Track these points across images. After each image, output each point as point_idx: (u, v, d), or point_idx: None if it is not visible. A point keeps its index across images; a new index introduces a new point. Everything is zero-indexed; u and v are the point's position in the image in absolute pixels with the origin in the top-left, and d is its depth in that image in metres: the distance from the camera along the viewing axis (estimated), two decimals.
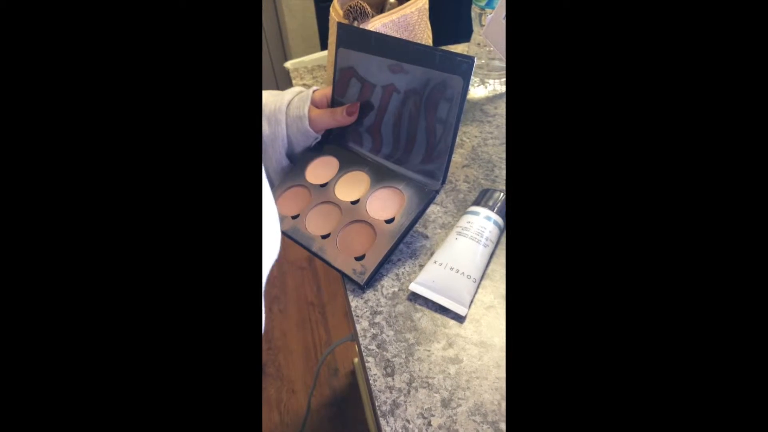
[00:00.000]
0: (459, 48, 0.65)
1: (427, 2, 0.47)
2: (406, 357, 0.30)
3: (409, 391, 0.29)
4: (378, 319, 0.33)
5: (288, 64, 0.93)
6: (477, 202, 0.39)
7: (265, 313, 0.27)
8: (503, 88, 0.57)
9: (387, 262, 0.36)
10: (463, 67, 0.33)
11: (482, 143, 0.49)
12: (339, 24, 0.39)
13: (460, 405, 0.28)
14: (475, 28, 0.54)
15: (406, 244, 0.38)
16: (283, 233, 0.38)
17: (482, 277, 0.35)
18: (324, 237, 0.37)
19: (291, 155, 0.43)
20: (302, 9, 1.43)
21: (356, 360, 1.14)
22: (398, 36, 0.44)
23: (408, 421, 0.27)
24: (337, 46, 0.40)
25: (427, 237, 0.38)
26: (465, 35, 0.57)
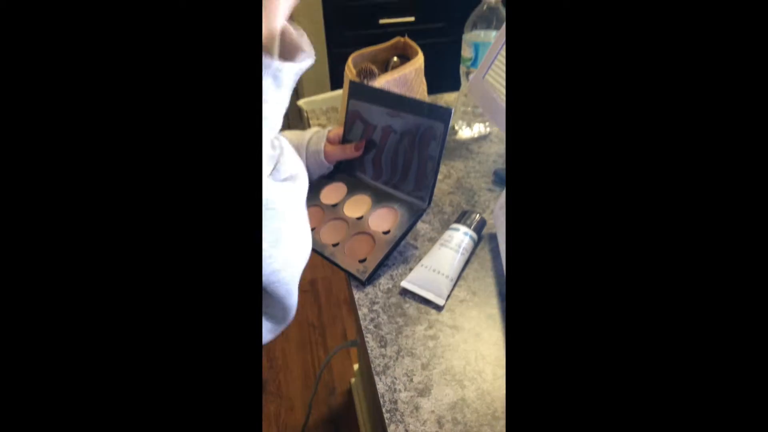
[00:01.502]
0: (452, 96, 0.78)
1: (422, 63, 0.60)
2: (395, 335, 0.40)
3: (397, 358, 0.38)
4: (375, 307, 0.43)
5: (301, 103, 1.07)
6: (457, 221, 0.49)
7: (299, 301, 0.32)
8: (487, 130, 0.68)
9: (383, 265, 0.46)
10: (444, 116, 0.45)
11: (466, 175, 0.60)
12: (351, 81, 0.51)
13: (435, 368, 0.37)
14: (463, 81, 0.66)
15: (399, 252, 0.48)
16: None
17: (458, 278, 0.45)
18: (334, 245, 0.47)
19: (309, 180, 0.54)
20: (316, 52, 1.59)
21: (353, 380, 1.21)
22: (398, 89, 0.56)
23: (395, 378, 0.37)
24: (349, 98, 0.52)
25: (416, 247, 0.49)
26: (456, 87, 0.70)
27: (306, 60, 0.29)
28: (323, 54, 1.57)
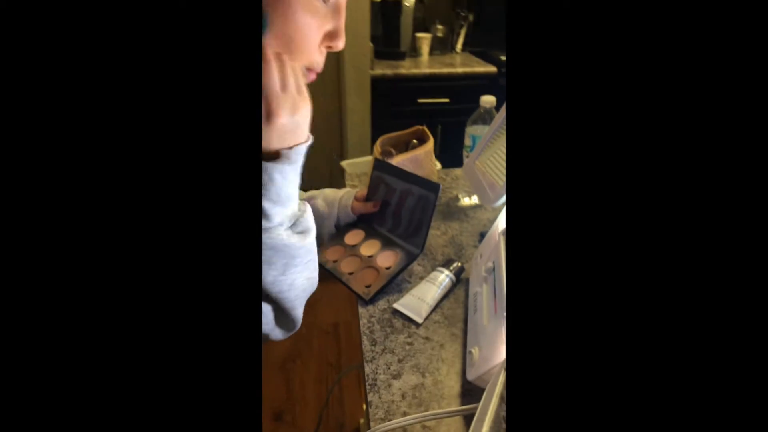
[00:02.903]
0: (458, 170, 0.98)
1: (432, 147, 0.81)
2: (383, 338, 0.57)
3: (381, 353, 0.55)
4: (372, 319, 0.61)
5: (344, 163, 1.32)
6: (443, 266, 0.67)
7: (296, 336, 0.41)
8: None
9: (383, 291, 0.64)
10: (435, 189, 0.65)
11: (459, 234, 0.79)
12: (376, 159, 0.73)
13: (407, 363, 0.54)
14: (465, 160, 0.87)
15: (396, 283, 0.66)
16: (328, 270, 0.68)
17: (436, 306, 0.62)
18: (350, 273, 0.67)
19: (338, 226, 0.74)
20: (361, 120, 1.88)
21: (362, 420, 1.33)
22: (411, 166, 0.78)
23: (378, 366, 0.54)
24: (373, 170, 0.73)
25: (409, 281, 0.67)
26: (459, 164, 0.91)
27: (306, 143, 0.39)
28: (367, 124, 1.85)
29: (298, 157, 0.38)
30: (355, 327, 1.67)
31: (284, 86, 0.36)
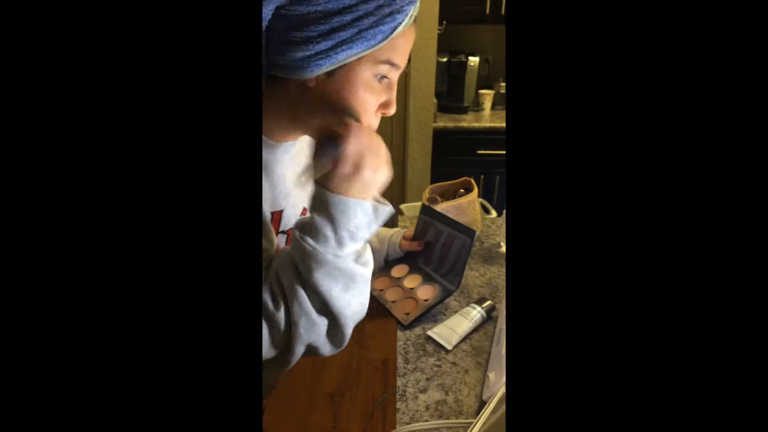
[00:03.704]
0: (502, 219, 1.07)
1: (476, 196, 0.92)
2: (415, 359, 0.67)
3: (412, 371, 0.65)
4: (408, 342, 0.70)
5: (402, 206, 1.45)
6: (476, 302, 0.76)
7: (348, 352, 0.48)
8: None
9: (419, 319, 0.74)
10: (472, 234, 0.75)
11: (496, 277, 0.87)
12: (423, 205, 0.85)
13: (433, 381, 0.63)
14: None
15: (432, 314, 0.76)
16: (374, 297, 0.79)
17: (465, 337, 0.71)
18: (393, 302, 0.78)
19: (386, 260, 0.86)
20: (421, 167, 2.02)
21: None
22: (454, 213, 0.89)
23: (408, 380, 0.63)
24: (421, 214, 0.85)
25: (444, 314, 0.76)
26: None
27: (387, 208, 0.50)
28: (427, 171, 2.00)
29: (383, 215, 0.48)
30: None
31: (369, 149, 0.46)
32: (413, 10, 0.47)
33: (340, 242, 0.46)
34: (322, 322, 0.48)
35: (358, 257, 0.49)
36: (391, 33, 0.46)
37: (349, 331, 0.50)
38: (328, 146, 0.47)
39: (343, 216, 0.46)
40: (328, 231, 0.46)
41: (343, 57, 0.45)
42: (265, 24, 0.45)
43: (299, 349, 0.48)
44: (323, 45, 0.44)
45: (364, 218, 0.47)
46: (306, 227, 0.47)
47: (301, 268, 0.47)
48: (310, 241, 0.46)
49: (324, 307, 0.47)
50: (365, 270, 0.50)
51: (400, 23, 0.46)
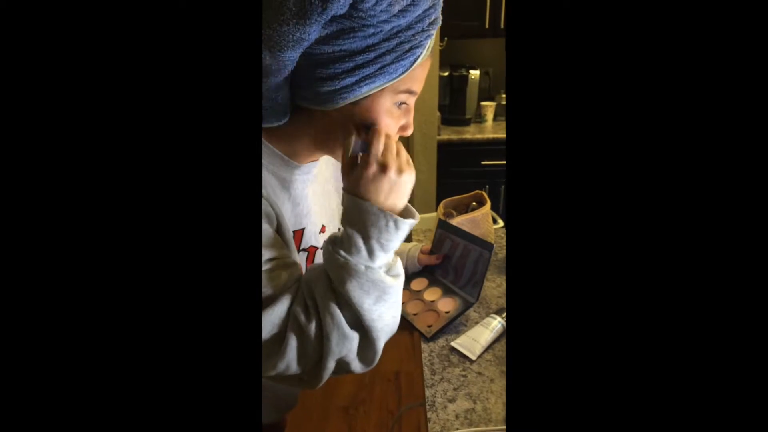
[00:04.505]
0: None
1: (489, 209, 0.95)
2: (441, 370, 0.70)
3: (439, 382, 0.67)
4: (432, 354, 0.73)
5: None
6: (496, 313, 0.79)
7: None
8: None
9: (442, 331, 0.77)
10: (489, 247, 0.78)
11: None
12: (439, 219, 0.89)
13: (461, 391, 0.66)
14: None
15: (454, 326, 0.79)
16: None
17: (488, 347, 0.74)
18: (414, 314, 0.80)
19: (405, 274, 0.89)
20: (427, 180, 2.06)
21: None
22: (469, 226, 0.92)
23: (436, 391, 0.66)
24: (437, 228, 0.88)
25: (465, 325, 0.79)
26: None
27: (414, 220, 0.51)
28: (433, 183, 2.03)
29: (407, 227, 0.49)
30: (417, 376, 1.75)
31: (390, 152, 0.49)
32: (430, 43, 0.50)
33: (371, 253, 0.48)
34: (354, 336, 0.49)
35: (389, 269, 0.51)
36: (411, 66, 0.49)
37: (380, 345, 0.51)
38: (358, 143, 0.51)
39: (374, 228, 0.48)
40: (359, 242, 0.48)
41: (366, 90, 0.48)
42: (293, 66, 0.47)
43: (330, 364, 0.49)
44: (348, 81, 0.47)
45: (393, 231, 0.49)
46: (338, 240, 0.50)
47: (333, 280, 0.48)
48: (342, 252, 0.48)
49: (356, 320, 0.48)
50: (396, 282, 0.51)
51: (419, 56, 0.49)
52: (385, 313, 0.50)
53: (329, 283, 0.49)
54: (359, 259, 0.48)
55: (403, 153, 0.52)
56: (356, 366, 0.51)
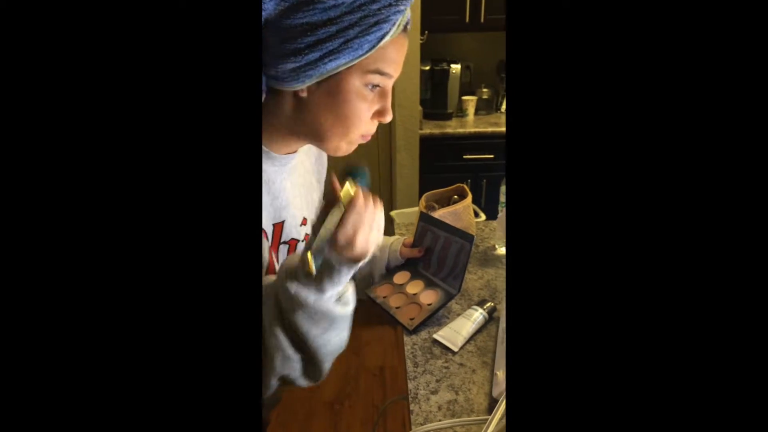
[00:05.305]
0: (495, 222, 1.11)
1: (470, 202, 0.96)
2: (423, 362, 0.70)
3: (422, 374, 0.68)
4: (415, 346, 0.73)
5: (393, 213, 1.48)
6: (477, 305, 0.80)
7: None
8: None
9: (424, 323, 0.77)
10: (470, 239, 0.79)
11: (494, 279, 0.91)
12: (421, 212, 0.89)
13: (443, 383, 0.66)
14: (499, 215, 1.00)
15: (436, 318, 0.79)
16: (378, 304, 0.82)
17: (470, 338, 0.74)
18: (396, 308, 0.81)
19: (387, 267, 0.89)
20: (409, 174, 2.06)
21: None
22: (451, 219, 0.92)
23: (419, 383, 0.66)
24: (419, 221, 0.89)
25: (447, 317, 0.80)
26: (494, 217, 1.04)
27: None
28: (416, 177, 2.04)
29: (360, 264, 0.49)
30: (401, 370, 1.76)
31: (363, 218, 0.47)
32: (401, 20, 0.47)
33: (320, 288, 0.48)
34: (298, 359, 0.50)
35: (339, 298, 0.50)
36: (378, 42, 0.46)
37: (327, 366, 0.52)
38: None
39: (326, 268, 0.47)
40: (310, 277, 0.47)
41: (332, 67, 0.47)
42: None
43: (272, 382, 0.50)
44: (311, 56, 0.46)
45: (346, 272, 0.48)
46: (291, 270, 0.49)
47: (283, 309, 0.48)
48: (293, 283, 0.48)
49: (302, 345, 0.49)
50: (346, 310, 0.51)
51: (387, 33, 0.46)
52: (333, 338, 0.51)
53: (279, 308, 0.49)
54: (308, 292, 0.48)
55: (378, 217, 0.49)
56: (301, 382, 0.52)
